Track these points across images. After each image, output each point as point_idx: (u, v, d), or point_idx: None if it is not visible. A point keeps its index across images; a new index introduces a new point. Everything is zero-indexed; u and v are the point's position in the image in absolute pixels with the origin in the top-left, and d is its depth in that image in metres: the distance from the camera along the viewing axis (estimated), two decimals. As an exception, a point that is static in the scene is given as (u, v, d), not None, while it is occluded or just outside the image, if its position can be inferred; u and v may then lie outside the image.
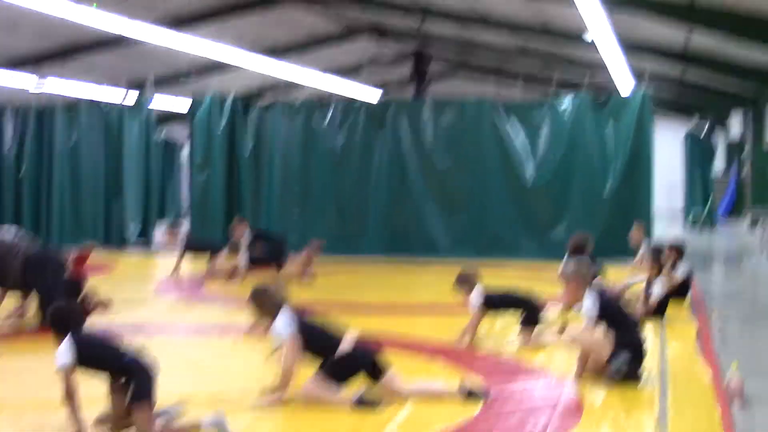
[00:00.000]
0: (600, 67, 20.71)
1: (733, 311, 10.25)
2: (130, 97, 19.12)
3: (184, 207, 25.53)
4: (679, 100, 28.23)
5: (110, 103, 18.87)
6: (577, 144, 15.80)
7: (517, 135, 16.19)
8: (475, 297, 7.81)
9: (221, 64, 24.78)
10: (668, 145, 27.30)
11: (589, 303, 6.55)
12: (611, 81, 21.46)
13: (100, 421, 5.11)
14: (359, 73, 28.49)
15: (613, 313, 6.60)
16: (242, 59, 23.36)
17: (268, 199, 17.20)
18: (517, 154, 16.09)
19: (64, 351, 5.00)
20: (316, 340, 5.84)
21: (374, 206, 16.60)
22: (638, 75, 17.02)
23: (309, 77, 26.70)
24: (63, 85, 22.33)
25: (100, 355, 5.12)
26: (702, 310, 9.86)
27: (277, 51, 25.68)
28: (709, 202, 24.84)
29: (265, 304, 5.89)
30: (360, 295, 10.90)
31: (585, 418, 5.45)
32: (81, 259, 9.40)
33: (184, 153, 25.70)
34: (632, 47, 18.44)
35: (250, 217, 16.98)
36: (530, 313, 7.92)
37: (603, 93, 17.00)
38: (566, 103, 16.02)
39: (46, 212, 18.28)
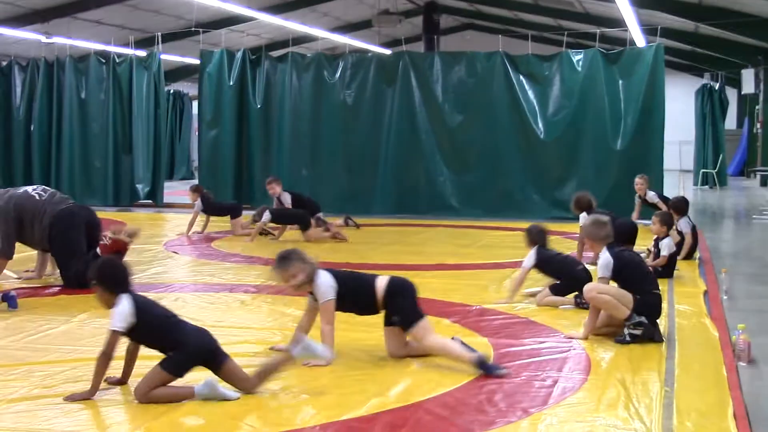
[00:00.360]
0: (612, 21, 20.51)
1: (742, 270, 10.24)
2: (140, 51, 19.04)
3: (194, 163, 25.56)
4: (691, 56, 27.96)
5: (120, 54, 18.78)
6: (589, 99, 15.69)
7: (528, 90, 16.09)
8: (529, 257, 7.91)
9: (232, 18, 24.63)
10: (680, 103, 27.14)
11: (605, 260, 6.50)
12: (624, 35, 21.25)
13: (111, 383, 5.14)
14: (370, 26, 28.25)
15: (632, 273, 6.52)
16: (253, 12, 23.21)
17: (278, 155, 17.18)
18: (528, 109, 15.99)
19: (124, 312, 4.90)
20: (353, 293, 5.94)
21: (384, 164, 16.57)
22: (651, 29, 16.83)
23: (319, 31, 26.53)
24: (72, 40, 22.23)
25: (160, 325, 5.02)
26: (710, 270, 9.86)
27: (288, 4, 25.52)
28: (720, 160, 24.73)
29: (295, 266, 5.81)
30: (368, 256, 10.89)
31: (592, 376, 5.48)
32: (113, 248, 8.88)
33: (194, 109, 25.63)
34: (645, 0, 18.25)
35: (261, 175, 17.02)
36: (570, 285, 7.73)
37: (615, 47, 16.84)
38: (578, 57, 15.90)
39: (56, 168, 18.30)
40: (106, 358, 4.91)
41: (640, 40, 18.28)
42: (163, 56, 19.46)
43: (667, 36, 18.05)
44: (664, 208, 11.70)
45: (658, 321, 6.49)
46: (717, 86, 25.56)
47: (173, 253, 11.17)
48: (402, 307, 5.82)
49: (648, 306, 6.37)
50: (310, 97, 17.05)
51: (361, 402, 4.94)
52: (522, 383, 5.33)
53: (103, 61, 18.31)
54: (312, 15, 27.04)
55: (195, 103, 23.05)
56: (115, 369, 5.16)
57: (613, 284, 6.53)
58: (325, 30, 27.28)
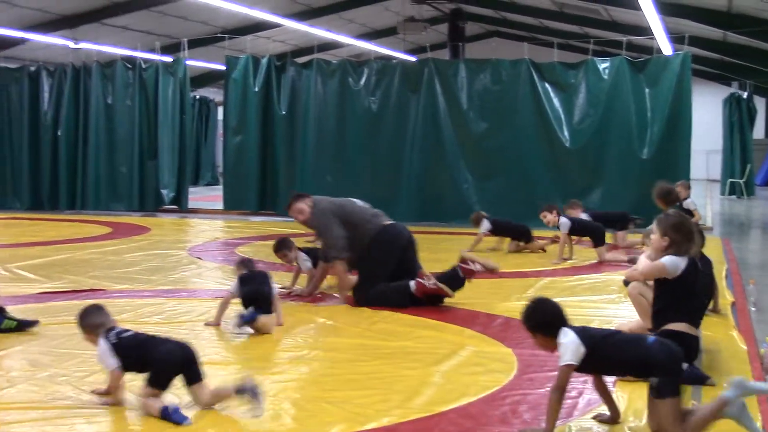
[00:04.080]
0: (639, 29, 20.39)
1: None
2: (166, 57, 19.12)
3: (219, 169, 25.65)
4: (719, 64, 27.76)
5: (147, 60, 18.87)
6: (615, 107, 15.61)
7: (553, 97, 16.02)
8: (564, 222, 10.97)
9: (258, 24, 24.70)
10: (707, 112, 26.94)
11: (670, 261, 5.45)
12: (650, 43, 21.14)
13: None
14: (395, 33, 28.27)
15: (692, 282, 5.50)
16: (279, 18, 23.26)
17: (302, 161, 17.19)
18: (553, 117, 15.93)
19: (573, 345, 4.53)
20: None
21: (408, 170, 16.54)
22: (678, 38, 16.73)
23: (345, 37, 26.56)
24: (98, 45, 22.37)
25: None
26: (738, 281, 9.75)
27: (314, 11, 25.56)
28: (747, 169, 24.51)
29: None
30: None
31: (618, 388, 5.40)
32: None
33: (219, 114, 25.72)
34: (673, 7, 18.12)
35: (285, 181, 17.05)
36: (599, 237, 10.98)
37: (642, 55, 16.73)
38: (604, 65, 15.81)
39: (82, 173, 18.40)
40: (560, 393, 4.57)
41: (667, 49, 18.17)
42: (189, 62, 19.55)
43: (694, 44, 17.92)
44: (698, 216, 11.64)
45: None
46: (745, 95, 25.34)
47: (197, 259, 11.18)
48: None
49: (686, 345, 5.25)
50: (334, 103, 17.05)
51: (384, 411, 4.90)
52: (546, 394, 5.26)
53: (130, 66, 18.39)
54: (338, 22, 27.06)
55: (220, 109, 23.14)
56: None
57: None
58: (351, 37, 27.32)
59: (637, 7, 15.55)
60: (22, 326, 6.76)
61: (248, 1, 21.33)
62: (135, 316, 7.38)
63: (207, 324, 7.02)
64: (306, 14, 25.42)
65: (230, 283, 9.29)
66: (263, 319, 6.74)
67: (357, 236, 8.10)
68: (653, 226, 5.62)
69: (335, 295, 8.32)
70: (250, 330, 6.75)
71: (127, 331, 5.08)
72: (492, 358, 6.13)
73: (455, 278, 7.91)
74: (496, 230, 12.42)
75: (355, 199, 8.52)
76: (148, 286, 9.00)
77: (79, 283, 9.00)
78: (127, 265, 10.45)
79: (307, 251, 8.77)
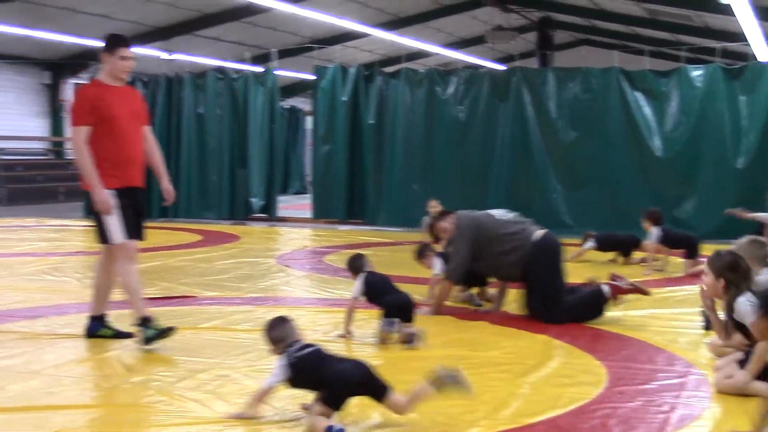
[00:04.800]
0: (733, 35, 19.94)
1: None
2: (256, 67, 19.41)
3: (308, 178, 25.88)
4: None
5: (237, 70, 19.15)
6: (708, 115, 15.25)
7: (644, 106, 15.75)
8: (655, 233, 10.86)
9: (346, 34, 24.90)
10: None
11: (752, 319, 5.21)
12: (746, 50, 20.66)
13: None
14: (483, 42, 28.20)
15: None
16: (367, 28, 23.40)
17: (389, 170, 17.22)
18: (644, 126, 15.65)
19: None
20: None
21: (496, 179, 16.44)
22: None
23: (433, 46, 26.59)
24: (191, 56, 22.82)
25: None
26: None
27: (402, 20, 25.66)
28: None
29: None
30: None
31: (713, 403, 5.27)
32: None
33: (308, 124, 25.97)
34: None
35: (373, 189, 17.13)
36: (693, 248, 10.82)
37: (736, 62, 16.35)
38: (697, 72, 15.50)
39: (174, 181, 18.60)
40: None
41: (763, 54, 17.72)
42: (279, 72, 19.78)
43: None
44: None
45: None
46: None
47: (285, 267, 11.29)
48: None
49: None
50: (422, 112, 17.05)
51: (471, 422, 4.87)
52: (637, 408, 5.17)
53: (221, 77, 18.69)
54: (426, 31, 27.12)
55: (309, 118, 23.36)
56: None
57: None
58: (439, 46, 27.36)
59: (731, 13, 15.21)
60: (118, 336, 6.86)
61: (337, 11, 21.54)
62: (225, 323, 7.49)
63: (340, 337, 6.93)
64: (394, 24, 25.55)
65: (318, 290, 9.40)
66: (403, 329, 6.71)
67: (509, 250, 7.83)
68: (704, 268, 5.45)
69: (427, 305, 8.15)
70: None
71: (309, 346, 4.92)
72: (581, 370, 6.05)
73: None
74: (603, 246, 12.01)
75: (494, 212, 8.30)
76: (237, 294, 9.11)
77: (171, 289, 9.16)
78: (217, 273, 10.61)
79: (446, 257, 8.65)
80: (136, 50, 23.04)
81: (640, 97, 15.77)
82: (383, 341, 6.71)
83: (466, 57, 29.30)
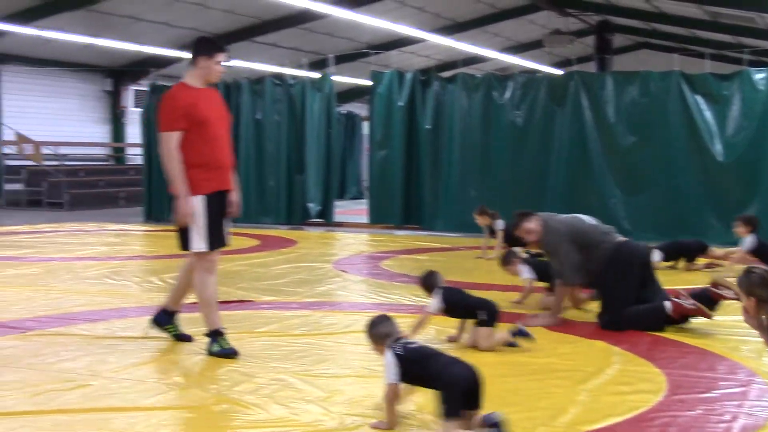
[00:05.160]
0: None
1: None
2: (313, 73, 19.51)
3: (364, 183, 25.94)
4: None
5: (294, 76, 19.27)
6: (772, 119, 14.99)
7: (705, 110, 15.52)
8: (749, 241, 10.57)
9: (403, 39, 24.94)
10: None
11: None
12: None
13: None
14: (541, 46, 28.05)
15: None
16: (424, 33, 23.40)
17: (446, 175, 17.18)
18: (705, 130, 15.41)
19: None
20: None
21: (553, 185, 16.31)
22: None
23: (489, 51, 26.50)
24: (249, 63, 23.02)
25: None
26: None
27: (459, 25, 25.62)
28: None
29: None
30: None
31: (775, 413, 5.18)
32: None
33: (365, 129, 26.04)
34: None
35: (430, 195, 17.12)
36: None
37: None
38: (760, 75, 15.23)
39: (233, 186, 18.87)
40: None
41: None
42: (336, 78, 19.85)
43: None
44: None
45: None
46: None
47: (342, 272, 11.33)
48: None
49: None
50: (479, 117, 16.99)
51: (529, 429, 4.83)
52: (698, 417, 5.08)
53: (278, 83, 18.82)
54: (483, 36, 27.06)
55: (366, 124, 23.43)
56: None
57: None
58: (496, 51, 27.25)
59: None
60: (178, 338, 6.93)
61: (393, 16, 21.59)
62: (282, 328, 7.54)
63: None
64: (451, 29, 25.53)
65: (374, 295, 9.41)
66: (483, 332, 6.73)
67: (591, 256, 7.71)
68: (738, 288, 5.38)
69: (538, 315, 7.97)
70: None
71: (413, 342, 4.96)
72: (640, 378, 5.97)
73: (706, 300, 7.52)
74: (670, 256, 11.70)
75: (582, 216, 8.19)
76: (294, 298, 9.16)
77: (229, 294, 9.24)
78: (274, 277, 10.67)
79: (531, 264, 8.58)
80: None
81: (700, 100, 15.54)
82: (492, 347, 6.71)
83: (522, 62, 29.14)
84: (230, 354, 6.44)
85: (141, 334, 7.12)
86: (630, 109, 15.94)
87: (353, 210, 22.39)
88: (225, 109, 6.92)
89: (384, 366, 4.84)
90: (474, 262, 12.41)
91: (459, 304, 6.88)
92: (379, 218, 17.82)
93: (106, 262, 12.09)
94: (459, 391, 4.59)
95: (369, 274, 11.28)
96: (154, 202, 19.50)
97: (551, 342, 7.06)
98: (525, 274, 8.26)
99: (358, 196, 28.75)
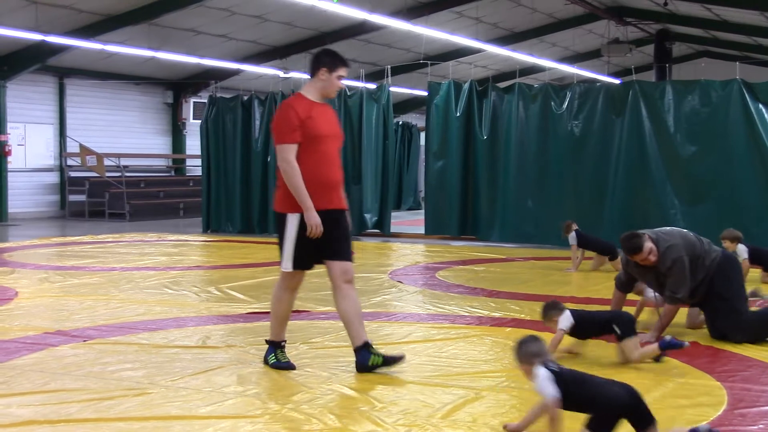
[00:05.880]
0: None
1: None
2: (370, 84, 19.58)
3: (421, 194, 25.93)
4: None
5: (351, 87, 19.36)
6: (836, 128, 14.69)
7: (767, 118, 15.26)
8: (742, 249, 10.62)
9: (459, 50, 24.92)
10: None
11: None
12: None
13: None
14: (599, 56, 27.85)
15: None
16: (481, 44, 23.37)
17: (503, 185, 17.11)
18: (767, 139, 15.16)
19: None
20: None
21: (612, 195, 16.14)
22: None
23: (547, 61, 26.36)
24: (306, 74, 23.22)
25: None
26: None
27: (516, 35, 25.53)
28: None
29: None
30: (595, 290, 10.67)
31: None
32: None
33: (422, 139, 26.06)
34: None
35: (487, 205, 17.06)
36: None
37: None
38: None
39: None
40: None
41: None
42: (392, 88, 19.91)
43: None
44: None
45: None
46: None
47: (398, 282, 11.33)
48: None
49: None
50: (536, 127, 16.90)
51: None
52: (760, 431, 5.00)
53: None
54: (540, 45, 26.97)
55: (422, 134, 23.45)
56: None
57: None
58: (553, 60, 27.10)
59: None
60: (388, 362, 6.41)
61: (450, 27, 21.60)
62: (337, 338, 7.57)
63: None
64: (508, 39, 25.48)
65: (430, 306, 9.41)
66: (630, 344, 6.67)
67: (697, 269, 7.50)
68: None
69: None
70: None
71: (563, 366, 4.84)
72: (699, 391, 5.88)
73: None
74: (754, 260, 11.40)
75: (677, 228, 8.06)
76: (350, 309, 9.16)
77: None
78: (330, 288, 10.68)
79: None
80: (255, 69, 23.65)
81: (762, 109, 15.28)
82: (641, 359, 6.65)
83: (580, 71, 28.96)
84: (287, 368, 6.47)
85: (198, 344, 7.19)
86: (690, 119, 15.72)
87: (410, 221, 22.41)
88: (339, 127, 6.71)
89: (537, 384, 4.66)
90: (529, 273, 12.33)
91: (589, 320, 6.83)
92: (436, 229, 17.81)
93: (166, 272, 12.26)
94: (613, 411, 4.55)
95: (425, 284, 11.27)
96: (213, 213, 19.72)
97: (610, 354, 6.97)
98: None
99: (414, 207, 28.76)
